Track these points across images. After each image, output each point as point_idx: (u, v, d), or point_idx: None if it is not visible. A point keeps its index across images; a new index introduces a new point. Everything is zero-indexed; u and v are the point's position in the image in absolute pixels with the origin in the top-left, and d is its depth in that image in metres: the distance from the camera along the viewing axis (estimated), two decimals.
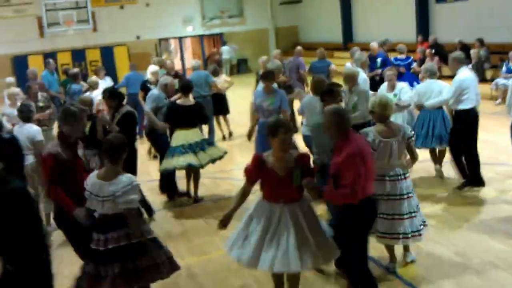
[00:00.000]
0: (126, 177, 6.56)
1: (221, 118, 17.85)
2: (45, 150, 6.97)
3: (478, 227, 9.23)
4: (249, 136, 11.41)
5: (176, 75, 17.11)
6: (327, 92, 8.96)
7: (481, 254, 8.15)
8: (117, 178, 6.51)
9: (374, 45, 19.14)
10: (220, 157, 11.84)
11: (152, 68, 16.89)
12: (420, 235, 7.80)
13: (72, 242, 7.40)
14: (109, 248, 6.51)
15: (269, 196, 6.73)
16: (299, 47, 19.55)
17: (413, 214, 7.74)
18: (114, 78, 25.52)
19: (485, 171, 11.94)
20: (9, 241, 5.92)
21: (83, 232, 6.87)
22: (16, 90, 13.97)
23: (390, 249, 8.02)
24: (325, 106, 7.70)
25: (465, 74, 10.86)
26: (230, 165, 14.18)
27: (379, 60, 18.62)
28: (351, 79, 10.96)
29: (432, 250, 8.48)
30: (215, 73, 17.38)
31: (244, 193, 6.99)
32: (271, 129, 6.57)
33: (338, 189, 6.39)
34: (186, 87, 11.86)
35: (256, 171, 6.77)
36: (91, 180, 6.61)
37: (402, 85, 12.04)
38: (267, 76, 11.16)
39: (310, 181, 6.50)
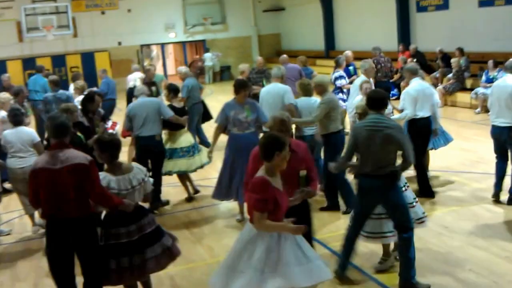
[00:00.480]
0: (136, 166, 7.15)
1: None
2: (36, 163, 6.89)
3: (458, 234, 9.30)
4: (210, 153, 11.09)
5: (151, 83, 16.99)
6: None
7: (461, 261, 8.22)
8: (133, 168, 7.06)
9: (349, 53, 19.27)
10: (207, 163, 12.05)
11: (140, 74, 17.19)
12: (423, 222, 8.19)
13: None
14: (145, 233, 6.98)
15: (278, 219, 6.10)
16: (284, 55, 19.15)
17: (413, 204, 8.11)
18: (96, 84, 25.46)
19: (465, 180, 12.15)
20: None
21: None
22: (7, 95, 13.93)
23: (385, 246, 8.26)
24: None
25: (414, 85, 11.13)
26: (213, 173, 14.19)
27: (351, 68, 18.74)
28: (319, 87, 11.01)
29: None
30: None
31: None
32: (266, 153, 6.12)
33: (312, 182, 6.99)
34: (177, 90, 12.49)
35: (271, 198, 6.01)
36: (108, 178, 6.86)
37: None
38: (243, 85, 10.71)
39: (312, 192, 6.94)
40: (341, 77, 16.55)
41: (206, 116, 17.21)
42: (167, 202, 12.06)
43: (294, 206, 6.57)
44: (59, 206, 6.47)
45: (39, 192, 6.53)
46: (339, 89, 16.50)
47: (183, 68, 17.64)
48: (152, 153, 11.32)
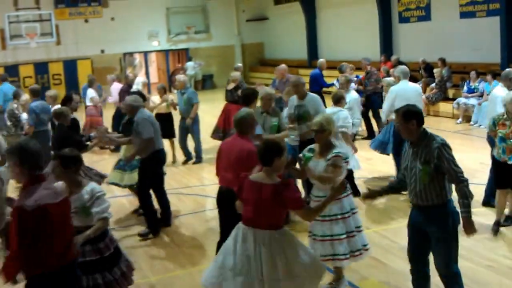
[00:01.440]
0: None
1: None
2: None
3: None
4: None
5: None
6: None
7: None
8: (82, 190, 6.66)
9: (323, 61, 19.35)
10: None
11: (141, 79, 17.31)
12: (360, 254, 7.75)
13: None
14: (87, 260, 6.62)
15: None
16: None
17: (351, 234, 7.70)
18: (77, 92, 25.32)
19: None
20: None
21: None
22: None
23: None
24: None
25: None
26: (194, 181, 14.13)
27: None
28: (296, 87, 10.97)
29: (396, 266, 8.52)
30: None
31: None
32: (265, 158, 6.22)
33: None
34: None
35: None
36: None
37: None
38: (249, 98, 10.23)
39: None
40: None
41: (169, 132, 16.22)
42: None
43: None
44: None
45: None
46: None
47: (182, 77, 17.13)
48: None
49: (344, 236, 7.58)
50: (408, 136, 6.53)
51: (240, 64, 18.88)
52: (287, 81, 15.59)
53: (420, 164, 6.42)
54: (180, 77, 16.72)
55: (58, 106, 13.24)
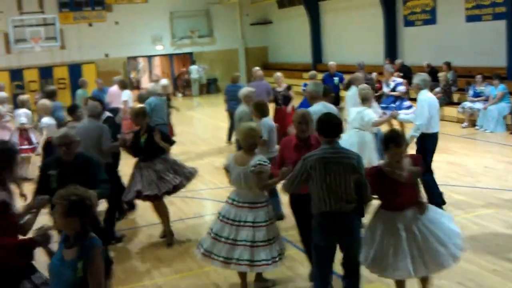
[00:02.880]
0: None
1: None
2: None
3: None
4: None
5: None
6: None
7: (449, 274, 8.18)
8: None
9: (332, 64, 19.36)
10: None
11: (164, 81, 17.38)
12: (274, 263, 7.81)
13: None
14: None
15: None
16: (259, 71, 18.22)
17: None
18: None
19: (451, 192, 12.13)
20: None
21: None
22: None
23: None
24: None
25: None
26: (199, 185, 14.16)
27: (336, 79, 18.96)
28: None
29: None
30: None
31: None
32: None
33: None
34: None
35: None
36: None
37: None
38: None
39: None
40: None
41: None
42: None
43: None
44: None
45: None
46: None
47: (149, 85, 17.18)
48: None
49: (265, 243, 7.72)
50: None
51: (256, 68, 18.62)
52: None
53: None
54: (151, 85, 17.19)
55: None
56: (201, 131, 17.93)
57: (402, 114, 15.20)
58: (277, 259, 7.78)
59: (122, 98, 18.24)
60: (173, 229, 10.84)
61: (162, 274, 9.10)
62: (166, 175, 10.12)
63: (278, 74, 17.93)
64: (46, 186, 7.17)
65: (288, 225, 9.87)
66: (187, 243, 10.44)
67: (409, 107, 17.62)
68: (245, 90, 12.91)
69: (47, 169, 7.44)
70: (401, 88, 18.33)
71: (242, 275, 8.09)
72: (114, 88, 19.42)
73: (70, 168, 7.22)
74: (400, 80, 19.09)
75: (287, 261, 8.59)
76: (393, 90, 18.41)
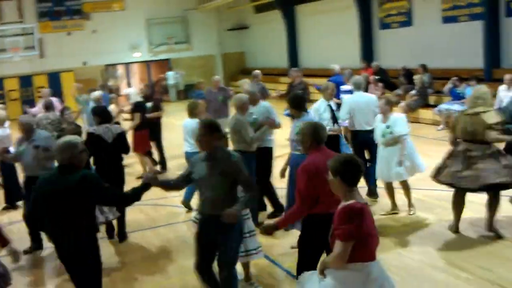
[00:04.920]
0: None
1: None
2: None
3: (417, 254, 8.94)
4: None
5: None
6: None
7: (420, 283, 7.80)
8: None
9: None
10: None
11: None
12: (259, 252, 8.09)
13: None
14: None
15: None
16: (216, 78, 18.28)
17: (251, 234, 8.01)
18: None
19: (425, 197, 11.89)
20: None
21: None
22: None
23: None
24: None
25: None
26: (171, 192, 13.75)
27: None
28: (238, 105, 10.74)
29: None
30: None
31: None
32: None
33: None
34: None
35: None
36: None
37: (396, 116, 10.86)
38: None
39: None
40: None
41: None
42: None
43: None
44: None
45: None
46: None
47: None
48: None
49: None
50: (207, 148, 6.83)
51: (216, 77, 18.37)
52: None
53: (217, 175, 6.70)
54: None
55: None
56: (176, 137, 17.51)
57: None
58: (260, 248, 8.11)
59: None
60: (141, 238, 10.69)
61: (129, 285, 8.75)
62: None
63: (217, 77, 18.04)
64: None
65: None
66: (154, 254, 10.14)
67: None
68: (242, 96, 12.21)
69: None
70: None
71: (245, 265, 8.25)
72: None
73: None
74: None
75: None
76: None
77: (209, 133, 6.73)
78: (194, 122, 11.40)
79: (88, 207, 6.16)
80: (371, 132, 11.23)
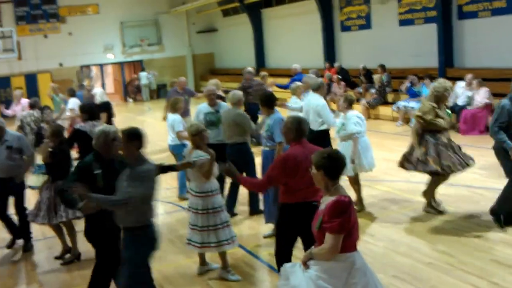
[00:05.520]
0: None
1: None
2: None
3: (382, 241, 9.01)
4: None
5: None
6: None
7: (384, 268, 7.88)
8: None
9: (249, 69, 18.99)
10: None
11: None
12: (232, 242, 8.06)
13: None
14: None
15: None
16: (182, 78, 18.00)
17: (224, 225, 8.02)
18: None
19: (388, 188, 11.96)
20: None
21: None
22: None
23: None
24: None
25: None
26: None
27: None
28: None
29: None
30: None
31: None
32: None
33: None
34: None
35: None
36: None
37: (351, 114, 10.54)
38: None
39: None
40: None
41: None
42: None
43: None
44: None
45: None
46: None
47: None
48: None
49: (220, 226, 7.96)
50: (128, 155, 6.34)
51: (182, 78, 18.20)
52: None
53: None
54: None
55: None
56: (151, 135, 17.39)
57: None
58: (234, 238, 8.07)
59: (69, 106, 17.78)
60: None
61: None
62: None
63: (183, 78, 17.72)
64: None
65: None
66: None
67: None
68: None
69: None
70: None
71: (221, 255, 8.16)
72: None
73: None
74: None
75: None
76: None
77: (128, 141, 6.30)
78: (174, 117, 11.81)
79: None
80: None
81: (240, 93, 10.92)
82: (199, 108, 11.61)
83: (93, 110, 10.93)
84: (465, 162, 9.73)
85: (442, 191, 10.47)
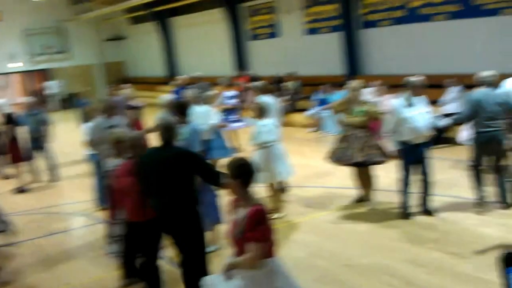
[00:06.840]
0: None
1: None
2: None
3: (304, 246, 9.25)
4: None
5: None
6: None
7: (306, 272, 8.05)
8: None
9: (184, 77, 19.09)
10: None
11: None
12: None
13: None
14: None
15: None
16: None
17: None
18: None
19: (304, 192, 12.27)
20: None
21: None
22: None
23: None
24: None
25: None
26: (60, 200, 13.56)
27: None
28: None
29: None
30: None
31: None
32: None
33: None
34: None
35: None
36: None
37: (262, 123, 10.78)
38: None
39: None
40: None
41: None
42: None
43: None
44: None
45: None
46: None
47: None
48: None
49: None
50: None
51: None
52: None
53: None
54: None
55: None
56: (62, 145, 17.21)
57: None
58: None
59: None
60: (34, 246, 10.26)
61: None
62: None
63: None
64: None
65: None
66: (51, 259, 9.76)
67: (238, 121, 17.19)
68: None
69: None
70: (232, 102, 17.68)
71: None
72: None
73: None
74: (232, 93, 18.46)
75: None
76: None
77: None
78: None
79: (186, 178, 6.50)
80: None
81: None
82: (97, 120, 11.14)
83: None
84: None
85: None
